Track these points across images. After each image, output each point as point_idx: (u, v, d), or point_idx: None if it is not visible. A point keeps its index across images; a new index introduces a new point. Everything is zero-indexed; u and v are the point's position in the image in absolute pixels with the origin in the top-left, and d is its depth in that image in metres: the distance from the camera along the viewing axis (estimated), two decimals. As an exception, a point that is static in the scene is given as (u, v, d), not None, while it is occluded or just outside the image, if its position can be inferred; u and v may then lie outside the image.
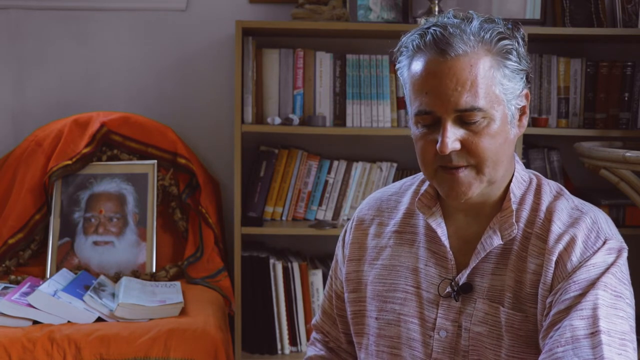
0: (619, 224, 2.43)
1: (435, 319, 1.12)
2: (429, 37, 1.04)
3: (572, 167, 2.56)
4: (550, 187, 1.14)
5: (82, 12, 2.56)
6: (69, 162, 2.34)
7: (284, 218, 2.50)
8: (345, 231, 1.29)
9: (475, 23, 1.05)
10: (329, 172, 2.51)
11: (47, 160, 2.38)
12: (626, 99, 2.46)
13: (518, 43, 1.07)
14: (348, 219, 2.32)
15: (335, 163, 2.51)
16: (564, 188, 1.15)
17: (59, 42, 2.57)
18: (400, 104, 2.48)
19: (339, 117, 2.47)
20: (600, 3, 2.49)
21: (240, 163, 2.36)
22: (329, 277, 1.33)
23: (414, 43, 1.07)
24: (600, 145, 2.27)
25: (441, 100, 1.03)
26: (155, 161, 2.41)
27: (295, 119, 2.40)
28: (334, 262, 1.31)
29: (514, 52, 1.06)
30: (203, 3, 2.57)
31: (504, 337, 1.08)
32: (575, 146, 2.27)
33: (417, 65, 1.06)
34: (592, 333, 0.98)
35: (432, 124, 1.06)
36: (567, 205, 1.11)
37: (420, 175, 1.24)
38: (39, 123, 2.54)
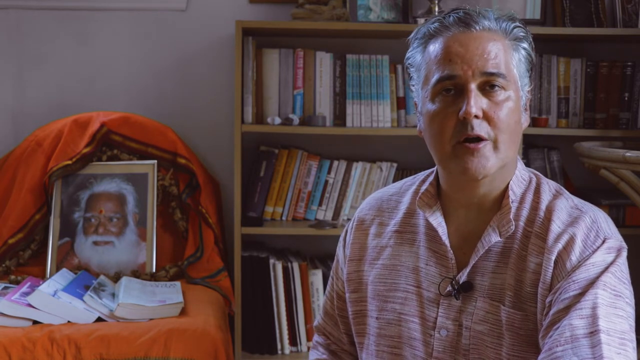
0: (619, 224, 2.43)
1: (436, 318, 1.13)
2: (451, 18, 1.08)
3: (572, 167, 2.56)
4: (549, 186, 1.15)
5: (82, 12, 2.56)
6: (69, 162, 2.34)
7: (284, 218, 2.50)
8: (346, 231, 1.29)
9: (492, 14, 1.10)
10: (329, 172, 2.51)
11: (47, 160, 2.38)
12: (626, 99, 2.46)
13: (530, 36, 1.12)
14: (348, 219, 2.32)
15: (335, 163, 2.51)
16: (563, 187, 1.16)
17: (59, 42, 2.57)
18: (400, 104, 2.48)
19: (339, 117, 2.47)
20: (600, 3, 2.49)
21: (240, 163, 2.36)
22: (330, 278, 1.32)
23: (432, 27, 1.09)
24: (600, 145, 2.27)
25: (467, 64, 1.05)
26: (155, 161, 2.41)
27: (295, 119, 2.40)
28: (334, 262, 1.31)
29: (527, 42, 1.11)
30: (203, 3, 2.57)
31: (504, 336, 1.08)
32: (575, 146, 2.27)
33: (437, 44, 1.08)
34: (592, 332, 0.98)
35: (454, 91, 1.07)
36: (567, 204, 1.11)
37: (420, 175, 1.24)
38: (39, 123, 2.54)
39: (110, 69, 2.59)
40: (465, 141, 1.06)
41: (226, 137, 2.57)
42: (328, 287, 1.32)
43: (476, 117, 1.04)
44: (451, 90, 1.07)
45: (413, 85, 1.15)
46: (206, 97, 2.61)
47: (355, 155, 2.56)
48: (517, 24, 1.10)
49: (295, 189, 2.50)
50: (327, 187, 2.51)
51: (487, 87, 1.06)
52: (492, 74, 1.05)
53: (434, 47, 1.09)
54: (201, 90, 2.61)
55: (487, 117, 1.06)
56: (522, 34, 1.10)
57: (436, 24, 1.09)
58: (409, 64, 1.14)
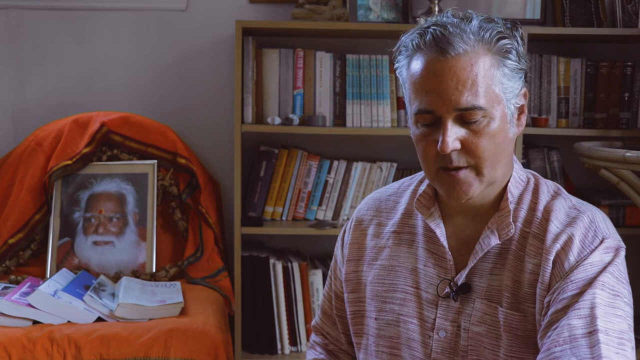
0: (619, 224, 2.43)
1: (435, 319, 1.13)
2: (428, 36, 1.04)
3: (572, 167, 2.56)
4: (547, 186, 1.14)
5: (82, 12, 2.56)
6: (69, 162, 2.34)
7: (284, 218, 2.50)
8: (344, 231, 1.29)
9: (475, 22, 1.05)
10: (329, 172, 2.51)
11: (47, 160, 2.38)
12: (626, 99, 2.46)
13: (517, 42, 1.07)
14: (348, 219, 2.32)
15: (335, 163, 2.51)
16: (561, 187, 1.15)
17: (59, 42, 2.57)
18: (400, 104, 2.48)
19: (339, 117, 2.47)
20: (600, 3, 2.49)
21: (240, 163, 2.36)
22: (328, 278, 1.32)
23: (414, 42, 1.06)
24: (600, 145, 2.27)
25: (442, 100, 1.03)
26: (155, 161, 2.41)
27: (295, 118, 2.40)
28: (333, 262, 1.31)
29: (514, 52, 1.06)
30: (203, 3, 2.57)
31: (502, 337, 1.08)
32: (575, 146, 2.27)
33: (417, 65, 1.06)
34: (590, 332, 0.98)
35: (432, 123, 1.06)
36: (565, 204, 1.11)
37: (418, 176, 1.24)
38: (39, 123, 2.54)
39: (110, 68, 2.59)
40: (446, 168, 1.06)
41: (226, 137, 2.57)
42: (326, 287, 1.32)
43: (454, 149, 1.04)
44: (429, 123, 1.06)
45: (404, 92, 1.14)
46: (206, 97, 2.61)
47: (355, 155, 2.56)
48: (502, 32, 1.05)
49: (295, 189, 2.49)
50: (327, 187, 2.51)
51: (465, 118, 1.04)
52: (468, 109, 1.03)
53: (414, 69, 1.06)
54: (201, 90, 2.61)
55: (466, 147, 1.04)
56: (508, 44, 1.05)
57: (416, 40, 1.05)
58: (397, 73, 1.12)
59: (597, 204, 2.42)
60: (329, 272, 1.32)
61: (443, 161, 1.06)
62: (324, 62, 2.46)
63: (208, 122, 2.61)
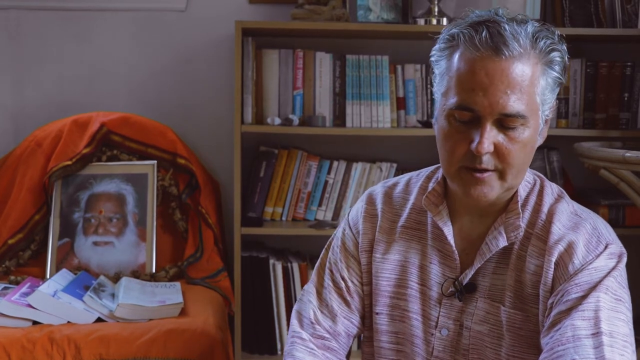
0: (619, 224, 2.43)
1: (438, 317, 1.13)
2: (484, 32, 1.01)
3: (572, 167, 2.56)
4: (552, 189, 1.15)
5: (82, 12, 2.56)
6: (69, 162, 2.34)
7: (283, 218, 2.50)
8: (357, 213, 1.23)
9: (530, 27, 1.03)
10: (328, 173, 2.51)
11: (47, 161, 2.38)
12: (626, 99, 2.46)
13: (564, 55, 1.06)
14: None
15: (335, 163, 2.51)
16: (564, 191, 1.16)
17: (59, 42, 2.57)
18: (400, 104, 2.48)
19: (339, 118, 2.47)
20: (600, 3, 2.48)
21: (239, 163, 2.36)
22: (327, 267, 1.25)
23: (465, 34, 1.03)
24: (600, 146, 2.26)
25: (488, 101, 1.01)
26: (155, 161, 2.41)
27: (295, 119, 2.40)
28: (337, 240, 1.25)
29: (560, 65, 1.05)
30: (203, 3, 2.57)
31: (504, 337, 1.09)
32: (575, 146, 2.26)
33: (465, 59, 1.02)
34: (594, 334, 0.99)
35: (470, 121, 1.03)
36: (567, 208, 1.12)
37: (424, 171, 1.23)
38: (39, 123, 2.54)
39: (110, 69, 2.59)
40: (471, 169, 1.05)
41: (226, 138, 2.57)
42: (327, 270, 1.25)
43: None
44: (466, 120, 1.04)
45: (435, 82, 1.11)
46: (206, 97, 2.61)
47: (355, 155, 2.56)
48: (555, 43, 1.04)
49: (295, 189, 2.49)
50: (327, 187, 2.51)
51: (505, 123, 1.03)
52: (511, 115, 1.01)
53: (460, 64, 1.03)
54: (201, 91, 2.61)
55: (498, 152, 1.03)
56: (558, 57, 1.04)
57: (469, 33, 1.02)
58: (433, 61, 1.09)
59: (596, 204, 2.42)
60: (332, 255, 1.25)
61: (472, 161, 1.04)
62: (324, 62, 2.46)
63: (208, 122, 2.61)
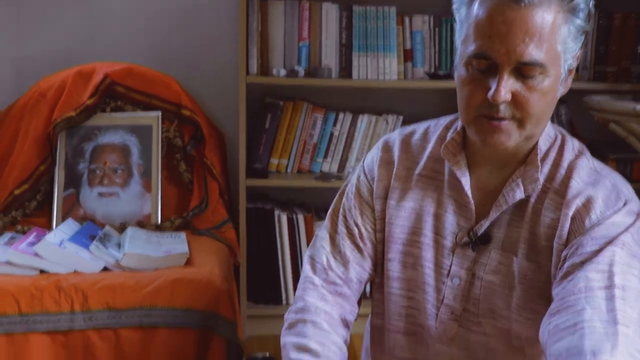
0: (626, 178, 2.38)
1: (450, 266, 1.13)
2: None
3: (581, 121, 2.53)
4: (573, 144, 1.14)
5: (83, -40, 2.51)
6: (73, 113, 2.32)
7: (289, 170, 2.50)
8: (373, 161, 1.22)
9: None
10: (334, 124, 2.49)
11: (51, 112, 2.36)
12: (639, 51, 2.42)
13: (588, 1, 1.03)
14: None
15: (341, 115, 2.49)
16: (585, 147, 1.15)
17: (61, -9, 2.53)
18: (407, 56, 2.44)
19: (345, 69, 2.44)
20: (615, -49, 2.42)
21: (245, 115, 2.34)
22: (343, 210, 1.23)
23: None
24: (610, 99, 2.23)
25: (505, 48, 0.99)
26: (160, 112, 2.39)
27: (301, 70, 2.37)
28: (351, 191, 1.24)
29: (585, 12, 1.03)
30: (207, -49, 2.52)
31: (516, 287, 1.09)
32: (585, 99, 2.23)
33: (485, 5, 1.00)
34: (607, 286, 0.98)
35: (487, 69, 1.02)
36: (587, 164, 1.11)
37: (443, 120, 1.21)
38: (42, 74, 2.51)
39: (113, 19, 2.55)
40: (489, 117, 1.03)
41: (231, 89, 2.54)
42: (340, 220, 1.22)
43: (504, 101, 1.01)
44: (483, 68, 1.02)
45: (456, 29, 1.09)
46: (210, 48, 2.57)
47: (361, 107, 2.54)
48: None
49: (301, 141, 2.48)
50: (333, 139, 2.49)
51: (523, 72, 1.01)
52: (529, 64, 0.99)
53: (479, 11, 1.01)
54: (205, 42, 2.57)
55: (516, 101, 1.01)
56: (582, 3, 1.01)
57: None
58: (455, 8, 1.07)
59: (604, 157, 2.41)
60: (347, 194, 1.24)
61: (489, 109, 1.02)
62: (330, 13, 2.41)
63: (212, 73, 2.58)
